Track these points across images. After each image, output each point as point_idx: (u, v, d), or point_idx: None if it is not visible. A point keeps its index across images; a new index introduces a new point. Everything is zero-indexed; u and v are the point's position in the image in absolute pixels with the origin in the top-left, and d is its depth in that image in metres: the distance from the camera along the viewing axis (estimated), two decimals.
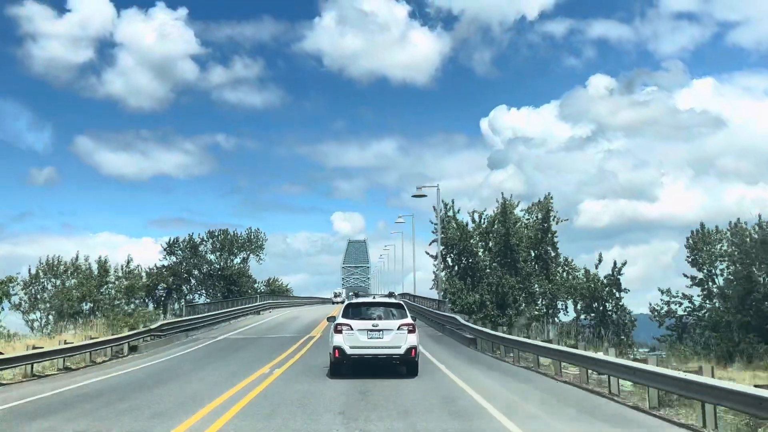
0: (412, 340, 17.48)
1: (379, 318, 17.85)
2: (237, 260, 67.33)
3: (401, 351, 17.33)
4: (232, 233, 67.74)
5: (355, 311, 18.18)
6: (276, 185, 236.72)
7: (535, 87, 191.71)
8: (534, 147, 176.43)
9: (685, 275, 44.81)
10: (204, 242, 66.86)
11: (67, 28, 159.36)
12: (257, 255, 68.68)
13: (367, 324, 17.51)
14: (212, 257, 66.94)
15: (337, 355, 17.44)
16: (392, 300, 20.09)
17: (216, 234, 67.26)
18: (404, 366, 17.74)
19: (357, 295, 25.52)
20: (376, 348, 17.37)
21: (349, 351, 17.33)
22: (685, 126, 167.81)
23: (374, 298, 21.52)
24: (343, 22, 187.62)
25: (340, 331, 17.49)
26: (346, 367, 17.65)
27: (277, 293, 79.25)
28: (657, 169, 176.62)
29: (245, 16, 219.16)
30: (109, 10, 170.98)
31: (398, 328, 17.45)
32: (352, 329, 17.43)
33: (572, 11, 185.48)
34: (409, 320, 17.84)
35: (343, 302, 65.66)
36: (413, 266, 64.27)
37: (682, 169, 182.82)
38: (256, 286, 68.95)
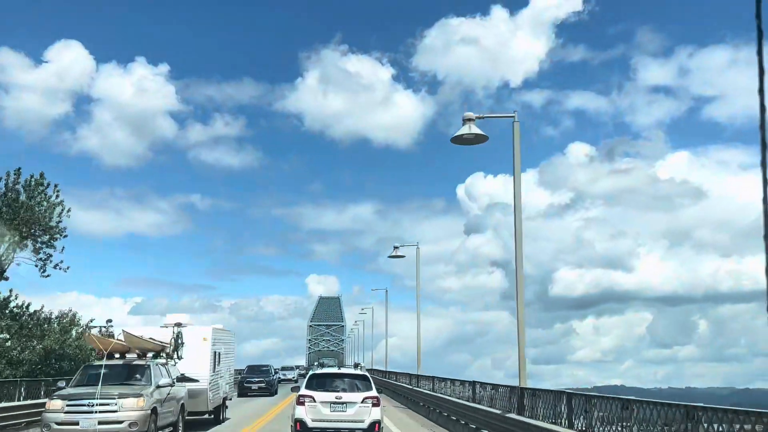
0: (376, 413, 17.11)
1: (344, 390, 17.44)
2: None
3: (365, 425, 16.93)
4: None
5: (319, 382, 17.77)
6: (251, 247, 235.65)
7: (512, 155, 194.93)
8: (511, 213, 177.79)
9: None
10: None
11: (44, 79, 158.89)
12: None
13: (331, 396, 17.11)
14: None
15: (298, 428, 16.97)
16: (357, 371, 19.60)
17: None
18: None
19: (322, 365, 24.91)
20: (338, 421, 16.94)
21: (311, 424, 16.87)
22: (664, 196, 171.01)
23: (339, 369, 21.07)
24: (326, 82, 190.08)
25: (302, 403, 17.06)
26: None
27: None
28: (634, 240, 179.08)
29: (227, 75, 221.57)
30: (88, 63, 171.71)
31: (362, 401, 17.07)
32: (314, 401, 17.00)
33: (553, 81, 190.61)
34: (373, 393, 17.49)
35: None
36: (386, 343, 62.17)
37: (658, 240, 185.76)
38: None
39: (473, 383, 22.13)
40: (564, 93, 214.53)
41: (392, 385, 44.51)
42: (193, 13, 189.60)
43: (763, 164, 2.44)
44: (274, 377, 48.77)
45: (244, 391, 42.51)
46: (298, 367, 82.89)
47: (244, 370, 47.83)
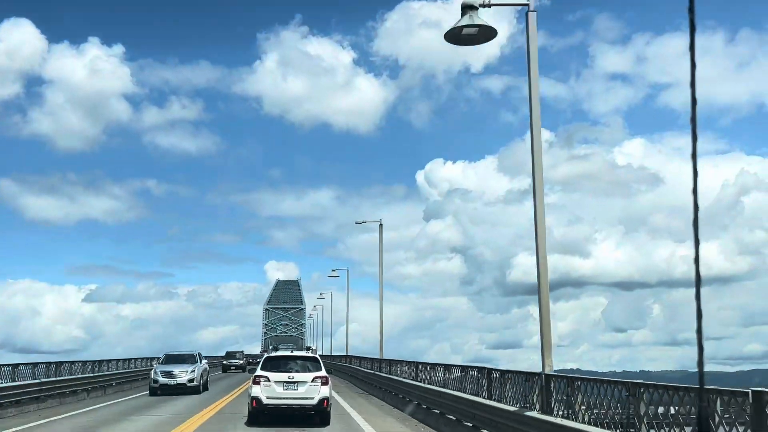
0: (324, 391, 19.29)
1: (296, 371, 19.61)
2: None
3: (314, 402, 19.10)
4: None
5: (273, 364, 19.94)
6: (208, 234, 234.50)
7: (471, 141, 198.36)
8: (471, 200, 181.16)
9: None
10: None
11: None
12: None
13: (284, 376, 19.26)
14: None
15: (254, 404, 19.08)
16: (309, 354, 22.00)
17: None
18: (317, 416, 19.46)
19: (276, 348, 27.33)
20: (291, 399, 19.09)
21: (265, 401, 18.99)
22: (622, 182, 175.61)
23: (292, 351, 23.29)
24: (286, 65, 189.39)
25: (258, 383, 19.17)
26: (264, 416, 19.24)
27: None
28: (591, 225, 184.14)
29: (184, 57, 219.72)
30: (39, 43, 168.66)
31: (312, 381, 19.24)
32: (269, 381, 19.12)
33: (513, 67, 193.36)
34: (323, 373, 19.71)
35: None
36: (347, 326, 61.42)
37: (615, 226, 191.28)
38: None
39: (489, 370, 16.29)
40: (523, 79, 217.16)
41: (354, 371, 43.13)
42: None
43: (693, 156, 2.56)
44: (200, 367, 33.34)
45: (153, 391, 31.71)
46: (245, 355, 70.59)
47: (159, 358, 35.85)
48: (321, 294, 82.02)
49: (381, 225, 41.19)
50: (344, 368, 49.16)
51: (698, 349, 2.73)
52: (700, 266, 2.99)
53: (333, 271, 58.56)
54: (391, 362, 31.46)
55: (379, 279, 41.74)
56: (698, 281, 2.98)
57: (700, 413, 2.90)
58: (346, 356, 53.38)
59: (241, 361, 66.37)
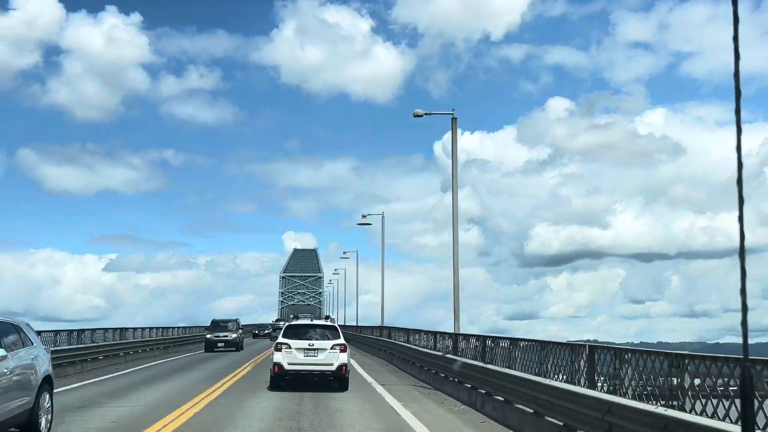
0: (343, 358, 19.62)
1: (316, 338, 19.94)
2: None
3: (333, 368, 19.45)
4: None
5: (294, 332, 20.31)
6: (226, 204, 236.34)
7: (490, 111, 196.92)
8: (489, 171, 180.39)
9: None
10: None
11: (11, 27, 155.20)
12: None
13: (304, 343, 19.60)
14: None
15: (276, 370, 19.42)
16: (327, 323, 22.37)
17: None
18: (336, 381, 19.76)
19: (296, 317, 27.96)
20: (311, 365, 19.44)
21: (287, 367, 19.32)
22: (643, 152, 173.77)
23: (311, 320, 23.65)
24: (303, 33, 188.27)
25: (279, 349, 19.51)
26: (285, 381, 19.56)
27: None
28: (610, 196, 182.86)
29: (201, 25, 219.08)
30: (57, 11, 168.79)
31: (331, 348, 19.57)
32: (290, 348, 19.45)
33: (534, 35, 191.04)
34: (341, 341, 20.03)
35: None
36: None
37: (634, 197, 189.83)
38: None
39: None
40: (543, 48, 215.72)
41: (362, 338, 48.00)
42: None
43: (737, 112, 2.87)
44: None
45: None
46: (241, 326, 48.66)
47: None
48: (336, 270, 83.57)
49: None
50: (356, 337, 51.40)
51: (742, 317, 2.70)
52: (743, 227, 2.93)
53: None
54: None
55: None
56: (742, 241, 2.94)
57: (743, 382, 2.87)
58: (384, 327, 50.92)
59: (235, 335, 43.16)
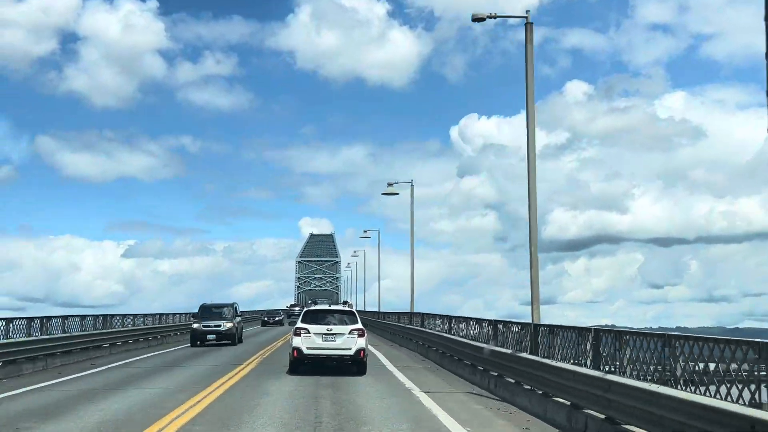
0: (361, 342, 20.34)
1: (334, 324, 20.63)
2: None
3: (351, 352, 20.18)
4: None
5: (312, 317, 21.02)
6: (243, 190, 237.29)
7: (506, 95, 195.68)
8: (506, 156, 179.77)
9: None
10: None
11: (28, 14, 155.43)
12: None
13: (323, 328, 20.34)
14: None
15: (295, 354, 20.22)
16: (345, 308, 23.21)
17: None
18: (354, 365, 20.51)
19: (315, 302, 28.66)
20: (329, 349, 20.18)
21: (306, 351, 20.12)
22: (663, 135, 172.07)
23: (329, 306, 24.47)
24: (319, 17, 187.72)
25: (299, 334, 20.29)
26: (304, 365, 20.35)
27: None
28: (629, 180, 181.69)
29: (217, 11, 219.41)
30: None
31: (349, 333, 20.30)
32: (309, 332, 20.23)
33: (552, 18, 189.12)
34: (359, 326, 20.75)
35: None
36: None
37: (653, 181, 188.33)
38: None
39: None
40: (561, 31, 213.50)
41: (387, 326, 43.38)
42: None
43: None
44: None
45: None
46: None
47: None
48: (355, 252, 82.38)
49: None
50: (377, 323, 48.50)
51: None
52: None
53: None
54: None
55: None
56: None
57: None
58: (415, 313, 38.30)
59: (230, 324, 34.21)
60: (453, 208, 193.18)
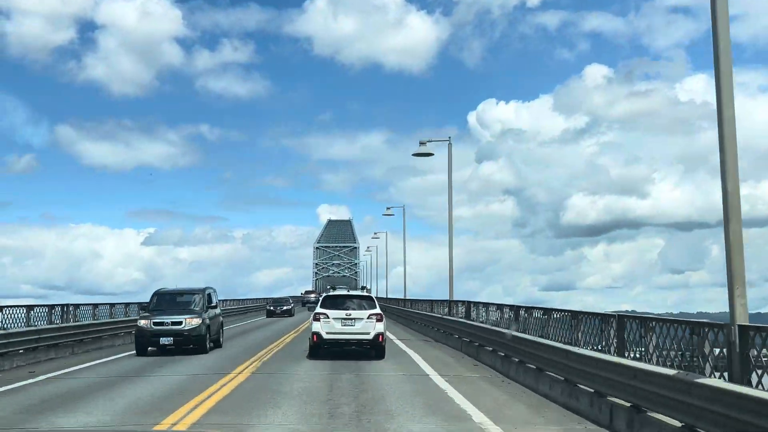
0: (379, 327, 20.37)
1: (353, 309, 20.66)
2: None
3: (370, 336, 20.21)
4: None
5: (331, 302, 21.08)
6: (261, 177, 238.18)
7: (525, 80, 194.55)
8: (524, 140, 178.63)
9: None
10: None
11: (47, 3, 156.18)
12: None
13: (342, 313, 20.37)
14: None
15: (315, 339, 20.28)
16: (364, 293, 23.28)
17: None
18: (373, 350, 20.54)
19: (333, 288, 28.62)
20: (348, 334, 20.24)
21: (325, 336, 20.16)
22: (683, 119, 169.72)
23: (348, 291, 24.50)
24: (336, 3, 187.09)
25: (318, 319, 20.34)
26: (324, 350, 20.40)
27: None
28: (649, 165, 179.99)
29: None
30: None
31: (368, 318, 20.32)
32: (328, 317, 20.26)
33: (570, 1, 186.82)
34: (377, 311, 20.76)
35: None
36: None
37: (674, 165, 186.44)
38: None
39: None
40: (580, 14, 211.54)
41: (414, 315, 36.66)
42: None
43: None
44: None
45: None
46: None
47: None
48: (375, 234, 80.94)
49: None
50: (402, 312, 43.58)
51: None
52: None
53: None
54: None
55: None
56: None
57: None
58: (455, 301, 30.20)
59: (197, 321, 22.34)
60: (471, 194, 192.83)
